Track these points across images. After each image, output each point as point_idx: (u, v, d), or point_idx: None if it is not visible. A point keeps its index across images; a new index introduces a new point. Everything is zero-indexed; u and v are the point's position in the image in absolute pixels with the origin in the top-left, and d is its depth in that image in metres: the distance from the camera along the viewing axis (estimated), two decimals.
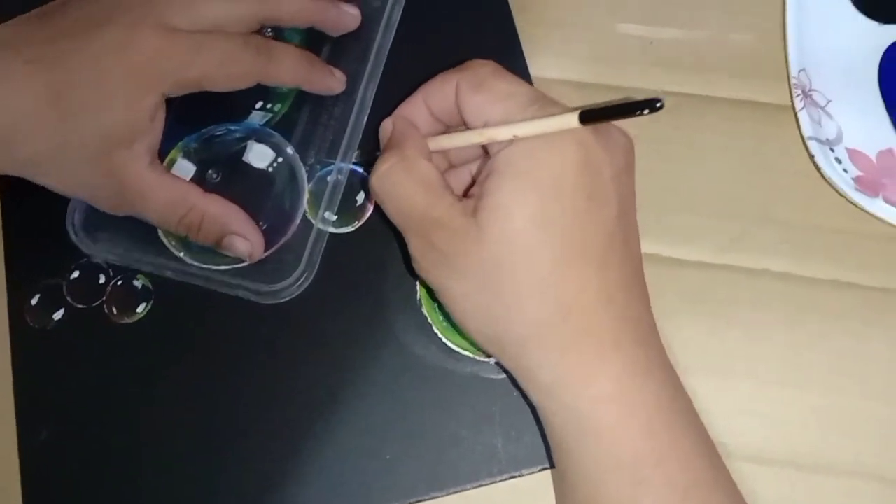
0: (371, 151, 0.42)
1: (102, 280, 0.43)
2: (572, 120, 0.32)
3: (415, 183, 0.35)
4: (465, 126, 0.37)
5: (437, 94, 0.37)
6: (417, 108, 0.38)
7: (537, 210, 0.33)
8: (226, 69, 0.40)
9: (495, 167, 0.34)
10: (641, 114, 0.30)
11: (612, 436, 0.33)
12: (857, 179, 0.40)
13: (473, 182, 0.38)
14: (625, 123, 0.34)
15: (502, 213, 0.33)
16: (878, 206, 0.39)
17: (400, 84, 0.40)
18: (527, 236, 0.33)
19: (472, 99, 0.36)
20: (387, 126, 0.39)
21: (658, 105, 0.30)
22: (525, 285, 0.33)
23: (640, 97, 0.31)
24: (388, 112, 0.39)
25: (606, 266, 0.33)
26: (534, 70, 0.46)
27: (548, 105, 0.34)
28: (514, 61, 0.45)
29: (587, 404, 0.33)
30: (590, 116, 0.32)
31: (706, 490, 0.33)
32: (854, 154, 0.41)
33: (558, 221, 0.33)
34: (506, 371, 0.39)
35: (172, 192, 0.40)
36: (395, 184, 0.36)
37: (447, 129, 0.39)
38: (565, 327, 0.33)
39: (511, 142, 0.34)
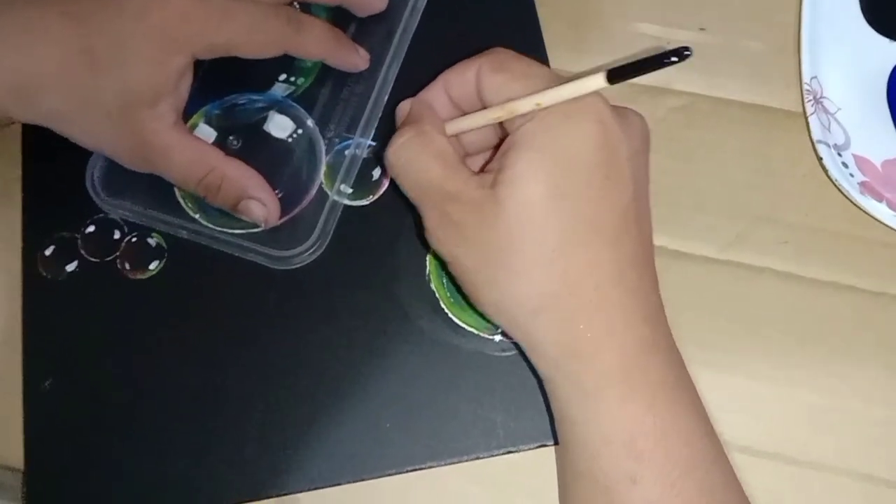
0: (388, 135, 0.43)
1: (117, 236, 0.44)
2: (598, 80, 0.32)
3: (431, 156, 0.36)
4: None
5: (458, 80, 0.38)
6: (437, 95, 0.39)
7: (553, 183, 0.33)
8: (254, 35, 0.41)
9: (514, 142, 0.35)
10: (671, 63, 0.31)
11: (616, 409, 0.33)
12: (862, 184, 0.41)
13: (487, 163, 0.39)
14: None
15: (519, 185, 0.34)
16: (881, 210, 0.40)
17: (421, 67, 0.41)
18: (541, 208, 0.33)
19: (493, 78, 0.37)
20: (403, 106, 0.39)
21: (687, 53, 0.30)
22: (537, 258, 0.34)
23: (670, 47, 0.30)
24: (409, 94, 0.40)
25: (619, 243, 0.34)
26: (553, 63, 0.47)
27: (568, 81, 0.35)
28: (535, 52, 0.46)
29: (593, 377, 0.34)
30: (617, 73, 0.32)
31: (704, 467, 0.34)
32: (860, 160, 0.42)
33: (573, 196, 0.34)
34: (515, 345, 0.40)
35: (194, 152, 0.41)
36: (412, 157, 0.37)
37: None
38: (575, 300, 0.34)
39: (531, 118, 0.34)
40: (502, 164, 0.34)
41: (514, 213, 0.33)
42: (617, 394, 0.33)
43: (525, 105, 0.34)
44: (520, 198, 0.33)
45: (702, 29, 0.46)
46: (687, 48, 0.30)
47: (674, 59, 0.30)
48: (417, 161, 0.36)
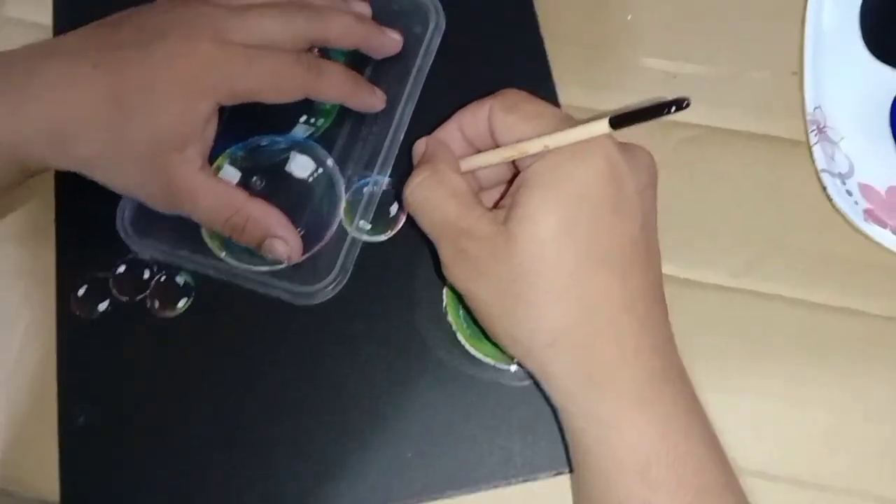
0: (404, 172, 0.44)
1: (147, 275, 0.45)
2: (602, 126, 0.34)
3: (446, 194, 0.38)
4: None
5: (471, 119, 0.40)
6: (451, 133, 0.41)
7: (563, 219, 0.35)
8: (277, 82, 0.42)
9: (525, 180, 0.36)
10: (670, 112, 0.32)
11: (629, 437, 0.34)
12: (866, 212, 0.42)
13: (501, 198, 0.41)
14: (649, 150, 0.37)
15: (530, 221, 0.35)
16: (886, 237, 0.41)
17: (436, 106, 0.43)
18: (553, 243, 0.35)
19: (505, 119, 0.38)
20: (419, 145, 0.41)
21: (685, 104, 0.32)
22: (550, 291, 0.35)
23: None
24: (424, 132, 0.41)
25: (629, 275, 0.35)
26: (562, 98, 0.48)
27: (576, 123, 0.36)
28: (545, 89, 0.48)
29: (606, 407, 0.35)
30: (620, 120, 0.34)
31: (717, 493, 0.34)
32: (865, 188, 0.43)
33: (583, 230, 0.35)
34: (529, 375, 0.41)
35: (220, 194, 0.43)
36: (428, 195, 0.38)
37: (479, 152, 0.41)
38: (587, 331, 0.35)
39: (541, 156, 0.36)
40: (514, 202, 0.36)
41: (526, 249, 0.35)
42: (630, 423, 0.34)
43: (535, 146, 0.36)
44: (532, 234, 0.35)
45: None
46: (685, 99, 0.32)
47: (673, 109, 0.32)
48: (433, 199, 0.38)
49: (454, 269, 0.37)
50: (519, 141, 0.37)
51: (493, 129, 0.39)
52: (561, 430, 0.38)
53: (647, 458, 0.34)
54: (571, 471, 0.39)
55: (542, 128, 0.37)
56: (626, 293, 0.35)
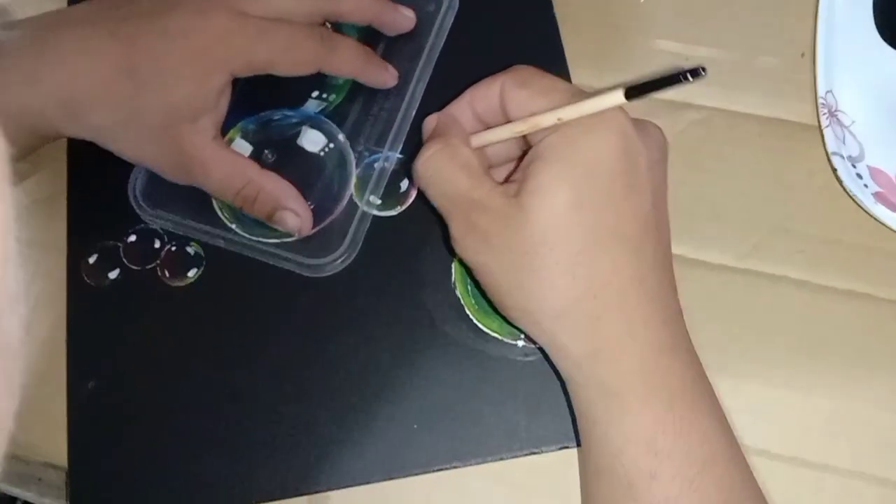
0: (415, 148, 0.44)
1: (157, 245, 0.46)
2: (617, 97, 0.34)
3: (457, 167, 0.38)
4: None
5: (482, 95, 0.40)
6: (462, 110, 0.41)
7: (576, 192, 0.35)
8: (291, 55, 0.43)
9: (538, 153, 0.36)
10: (686, 81, 0.32)
11: (637, 408, 0.35)
12: (876, 195, 0.42)
13: (510, 175, 0.41)
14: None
15: (543, 193, 0.35)
16: (895, 220, 0.41)
17: (448, 84, 0.43)
18: (565, 216, 0.35)
19: (518, 94, 0.38)
20: (430, 121, 0.41)
21: (702, 71, 0.31)
22: (560, 263, 0.35)
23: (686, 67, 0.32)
24: (435, 109, 0.41)
25: (639, 250, 0.36)
26: (574, 80, 0.48)
27: (589, 97, 0.37)
28: (557, 68, 0.48)
29: (615, 378, 0.35)
30: (636, 91, 0.34)
31: (722, 464, 0.35)
32: (875, 171, 0.43)
33: (595, 204, 0.35)
34: (538, 348, 0.41)
35: (232, 166, 0.43)
36: (439, 168, 0.38)
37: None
38: (597, 304, 0.35)
39: (554, 130, 0.36)
40: (526, 175, 0.36)
41: (538, 221, 0.35)
42: (638, 394, 0.35)
43: (547, 119, 0.36)
44: (544, 206, 0.35)
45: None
46: (702, 67, 0.32)
47: (689, 77, 0.32)
48: (445, 172, 0.38)
49: (464, 241, 0.38)
50: (532, 115, 0.37)
51: (505, 104, 0.39)
52: (569, 403, 0.39)
53: (654, 429, 0.34)
54: (578, 444, 0.39)
55: (555, 102, 0.37)
56: (637, 267, 0.35)
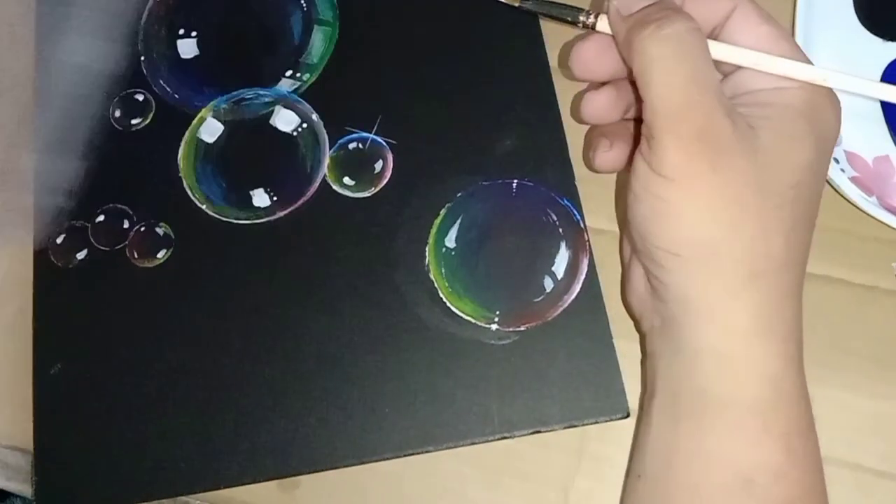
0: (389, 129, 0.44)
1: (126, 225, 0.45)
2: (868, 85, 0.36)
3: (709, 60, 0.33)
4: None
5: (706, 3, 0.35)
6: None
7: (817, 157, 0.34)
8: None
9: (785, 102, 0.34)
10: None
11: (758, 355, 0.34)
12: (853, 179, 0.41)
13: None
14: None
15: (791, 146, 0.33)
16: (871, 205, 0.41)
17: (424, 70, 0.43)
18: (805, 173, 0.33)
19: (760, 26, 0.35)
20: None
21: None
22: (785, 221, 0.33)
23: None
24: (411, 90, 0.40)
25: (810, 232, 0.36)
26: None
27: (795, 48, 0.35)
28: (541, 74, 0.47)
29: (743, 320, 0.33)
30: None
31: (806, 436, 0.35)
32: (852, 156, 0.43)
33: (819, 178, 0.35)
34: (511, 333, 0.40)
35: None
36: (693, 49, 0.32)
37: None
38: (788, 277, 0.34)
39: (802, 86, 0.34)
40: (764, 114, 0.33)
41: (782, 166, 0.33)
42: (755, 356, 0.34)
43: (813, 74, 0.34)
44: (792, 156, 0.33)
45: None
46: None
47: None
48: (700, 58, 0.32)
49: (683, 151, 0.32)
50: (788, 58, 0.34)
51: (734, 29, 0.35)
52: (562, 388, 0.38)
53: (773, 378, 0.34)
54: (593, 423, 0.40)
55: (787, 53, 0.34)
56: (806, 254, 0.36)
